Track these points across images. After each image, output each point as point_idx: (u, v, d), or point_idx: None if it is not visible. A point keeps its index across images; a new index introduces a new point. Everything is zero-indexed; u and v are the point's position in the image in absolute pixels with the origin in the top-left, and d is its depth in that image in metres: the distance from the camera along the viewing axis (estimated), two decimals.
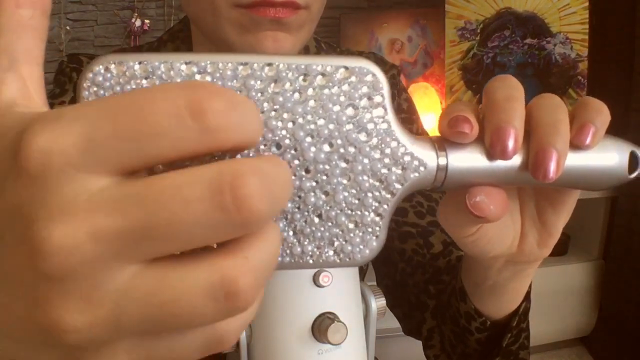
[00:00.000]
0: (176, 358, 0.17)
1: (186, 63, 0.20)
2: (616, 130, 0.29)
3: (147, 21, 1.58)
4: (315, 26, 0.46)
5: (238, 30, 0.42)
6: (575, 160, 0.27)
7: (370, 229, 0.23)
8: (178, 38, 0.56)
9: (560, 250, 1.62)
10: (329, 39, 0.72)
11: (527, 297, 0.43)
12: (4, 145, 0.16)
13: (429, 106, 1.58)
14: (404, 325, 0.62)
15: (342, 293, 0.36)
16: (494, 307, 0.43)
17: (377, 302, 0.39)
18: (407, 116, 0.63)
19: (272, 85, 0.21)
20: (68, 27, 1.54)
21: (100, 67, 0.19)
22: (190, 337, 0.17)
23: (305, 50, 0.59)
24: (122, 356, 0.17)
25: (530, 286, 0.42)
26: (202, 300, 0.15)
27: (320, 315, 0.34)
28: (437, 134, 0.27)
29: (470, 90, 1.58)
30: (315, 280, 0.35)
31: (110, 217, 0.14)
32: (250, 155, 0.21)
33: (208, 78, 0.20)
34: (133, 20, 1.56)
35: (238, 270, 0.15)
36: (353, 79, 0.22)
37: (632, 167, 0.28)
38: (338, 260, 0.23)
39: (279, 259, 0.22)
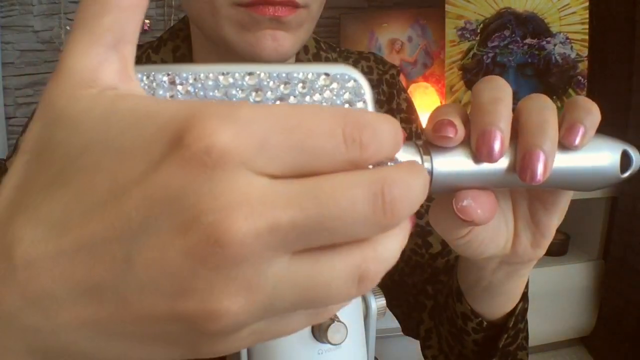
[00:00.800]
0: (285, 332, 0.19)
1: (167, 74, 0.20)
2: (616, 130, 0.28)
3: (147, 21, 1.58)
4: (314, 25, 0.46)
5: (237, 29, 0.42)
6: (565, 161, 0.26)
7: None
8: (178, 37, 0.56)
9: (560, 250, 1.62)
10: (329, 39, 0.71)
11: (524, 297, 0.43)
12: (153, 131, 0.16)
13: (429, 106, 1.58)
14: (403, 326, 0.62)
15: None
16: (489, 308, 0.43)
17: (377, 302, 0.39)
18: (406, 116, 0.63)
19: (254, 94, 0.21)
20: (68, 27, 1.54)
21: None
22: (303, 314, 0.19)
23: (305, 50, 0.59)
24: (245, 338, 0.18)
25: (527, 286, 0.42)
26: (344, 283, 0.17)
27: None
28: None
29: (470, 90, 1.58)
30: None
31: (288, 210, 0.16)
32: None
33: (190, 89, 0.20)
34: None
35: (370, 259, 0.18)
36: (334, 85, 0.22)
37: (624, 166, 0.27)
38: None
39: None
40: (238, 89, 0.21)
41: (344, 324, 0.33)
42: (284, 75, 0.21)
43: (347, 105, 0.22)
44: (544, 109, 0.27)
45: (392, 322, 0.61)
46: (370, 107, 0.22)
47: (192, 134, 0.15)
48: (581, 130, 0.26)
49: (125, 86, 0.18)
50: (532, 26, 1.53)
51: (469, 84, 1.58)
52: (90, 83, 0.17)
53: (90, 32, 0.18)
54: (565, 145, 0.26)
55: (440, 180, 0.25)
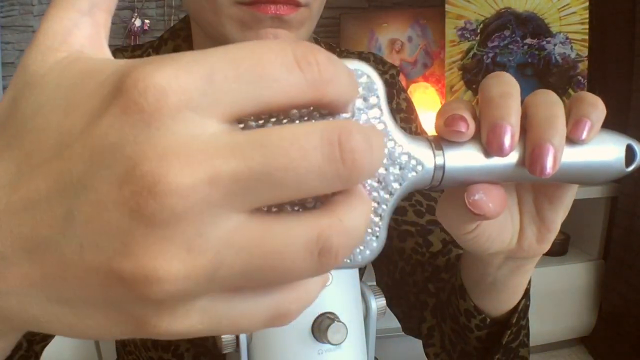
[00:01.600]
0: (240, 326, 0.17)
1: None
2: (616, 129, 0.29)
3: (147, 21, 1.58)
4: (315, 24, 0.46)
5: (239, 27, 0.42)
6: (572, 155, 0.27)
7: (370, 230, 0.23)
8: (179, 37, 0.56)
9: (560, 250, 1.62)
10: (329, 39, 0.72)
11: (527, 294, 0.43)
12: (95, 85, 0.15)
13: (429, 106, 1.58)
14: (404, 325, 0.62)
15: (342, 293, 0.36)
16: (493, 304, 0.43)
17: (377, 302, 0.39)
18: (406, 116, 0.63)
19: None
20: None
21: None
22: (260, 306, 0.17)
23: None
24: (195, 317, 0.17)
25: (529, 283, 0.42)
26: (302, 253, 0.16)
27: (320, 315, 0.34)
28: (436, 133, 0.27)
29: (470, 90, 1.58)
30: None
31: (231, 160, 0.14)
32: None
33: None
34: (133, 20, 1.56)
35: (333, 229, 0.16)
36: None
37: (629, 160, 0.28)
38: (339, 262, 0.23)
39: None
40: None
41: (344, 324, 0.33)
42: None
43: (361, 100, 0.22)
44: (552, 104, 0.27)
45: (392, 322, 0.61)
46: (383, 102, 0.22)
47: (129, 79, 0.14)
48: (588, 125, 0.27)
49: (95, 51, 0.18)
50: (532, 26, 1.53)
51: (469, 84, 1.58)
52: (60, 46, 0.17)
53: None
54: (572, 139, 0.27)
55: (451, 175, 0.25)
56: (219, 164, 0.14)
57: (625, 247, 1.50)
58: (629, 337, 1.48)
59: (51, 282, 0.16)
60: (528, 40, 1.53)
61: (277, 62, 0.15)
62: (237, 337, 0.36)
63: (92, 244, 0.15)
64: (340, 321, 0.33)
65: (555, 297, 1.56)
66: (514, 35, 1.53)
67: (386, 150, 0.23)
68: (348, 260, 0.23)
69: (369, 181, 0.23)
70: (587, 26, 1.49)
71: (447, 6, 1.57)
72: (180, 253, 0.15)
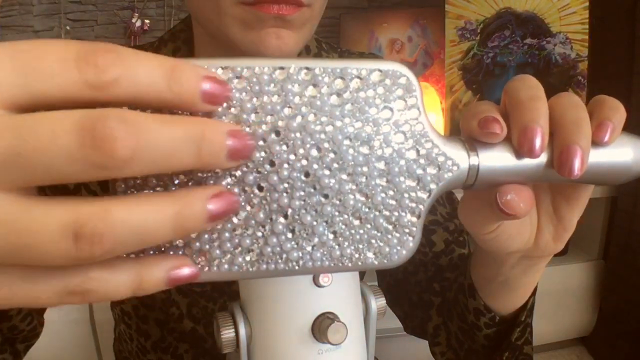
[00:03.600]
0: (37, 299, 0.18)
1: (222, 68, 0.20)
2: None
3: (147, 21, 1.57)
4: (317, 24, 0.46)
5: (241, 27, 0.42)
6: (595, 156, 0.28)
7: (407, 230, 0.23)
8: (179, 38, 0.56)
9: (561, 250, 1.62)
10: (329, 39, 0.71)
11: (534, 291, 0.44)
12: None
13: (429, 106, 1.58)
14: (406, 324, 0.62)
15: (342, 293, 0.36)
16: (504, 303, 0.44)
17: (377, 302, 0.39)
18: None
19: (310, 88, 0.21)
20: (68, 27, 1.54)
21: None
22: (49, 280, 0.18)
23: (307, 50, 0.59)
24: None
25: (537, 282, 0.43)
26: (56, 236, 0.16)
27: (320, 315, 0.34)
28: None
29: (470, 90, 1.58)
30: (315, 280, 0.35)
31: None
32: (262, 154, 0.21)
33: (244, 83, 0.20)
34: (133, 20, 1.56)
35: (93, 217, 0.16)
36: (387, 81, 0.22)
37: None
38: (376, 262, 0.23)
39: (318, 263, 0.23)
40: (294, 83, 0.21)
41: (344, 324, 0.33)
42: (338, 70, 0.21)
43: (400, 101, 0.22)
44: (577, 107, 0.28)
45: (392, 322, 0.61)
46: (421, 102, 0.23)
47: None
48: (610, 127, 0.27)
49: None
50: (532, 26, 1.53)
51: (469, 84, 1.58)
52: None
53: None
54: (595, 141, 0.28)
55: (484, 175, 0.26)
56: None
57: (625, 247, 1.50)
58: (629, 337, 1.48)
59: None
60: (528, 40, 1.53)
61: (55, 59, 0.16)
62: (237, 337, 0.36)
63: None
64: (340, 321, 0.33)
65: (555, 297, 1.56)
66: (514, 35, 1.53)
67: (424, 151, 0.23)
68: (385, 261, 0.23)
69: (407, 181, 0.23)
70: (587, 26, 1.49)
71: (447, 6, 1.57)
72: None
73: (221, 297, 0.56)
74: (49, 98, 0.16)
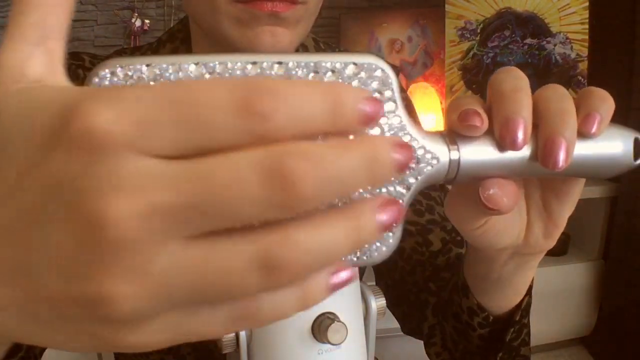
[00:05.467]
0: (203, 333, 0.18)
1: (195, 64, 0.20)
2: None
3: (147, 21, 1.58)
4: (312, 22, 0.47)
5: (236, 25, 0.42)
6: (582, 149, 0.27)
7: None
8: (177, 38, 0.56)
9: (560, 250, 1.62)
10: (328, 39, 0.72)
11: (529, 292, 0.43)
12: (46, 118, 0.16)
13: (429, 106, 1.58)
14: (404, 325, 0.62)
15: (342, 293, 0.36)
16: (497, 302, 0.43)
17: (377, 302, 0.39)
18: None
19: None
20: None
21: (107, 71, 0.19)
22: (219, 312, 0.18)
23: (304, 50, 0.59)
24: (153, 331, 0.17)
25: (532, 281, 0.42)
26: (246, 271, 0.16)
27: (320, 315, 0.34)
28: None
29: (470, 90, 1.58)
30: None
31: (167, 192, 0.15)
32: None
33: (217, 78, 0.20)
34: (133, 20, 1.56)
35: (281, 245, 0.16)
36: (362, 74, 0.21)
37: (637, 153, 0.28)
38: (356, 259, 0.23)
39: None
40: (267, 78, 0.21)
41: (344, 324, 0.33)
42: (312, 64, 0.21)
43: (376, 94, 0.22)
44: (562, 98, 0.27)
45: (392, 322, 0.61)
46: (398, 95, 0.22)
47: (73, 118, 0.15)
48: (598, 119, 0.27)
49: (51, 79, 0.19)
50: (532, 26, 1.53)
51: (469, 84, 1.58)
52: (19, 78, 0.18)
53: (17, 30, 0.19)
54: (582, 133, 0.27)
55: (466, 169, 0.25)
56: (156, 197, 0.15)
57: (625, 247, 1.50)
58: (629, 337, 1.48)
59: (19, 304, 0.17)
60: (528, 40, 1.53)
61: (215, 108, 0.15)
62: (237, 337, 0.36)
63: (49, 270, 0.16)
64: (340, 321, 0.33)
65: (555, 297, 1.56)
66: (514, 35, 1.53)
67: None
68: (365, 257, 0.23)
69: None
70: (587, 26, 1.49)
71: (447, 6, 1.57)
72: (128, 277, 0.16)
73: None
74: (213, 147, 0.16)
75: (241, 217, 0.16)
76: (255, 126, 0.15)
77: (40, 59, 0.19)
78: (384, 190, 0.23)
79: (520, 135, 0.26)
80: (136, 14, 1.57)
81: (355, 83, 0.21)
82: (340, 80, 0.21)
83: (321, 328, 0.34)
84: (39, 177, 0.16)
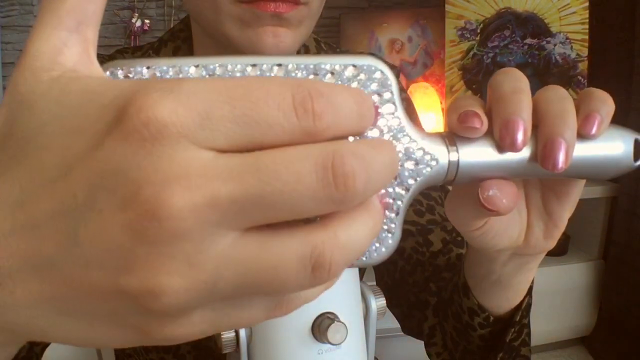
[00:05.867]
0: (239, 322, 0.18)
1: (195, 66, 0.20)
2: None
3: (147, 21, 1.58)
4: (315, 23, 0.47)
5: (239, 25, 0.42)
6: (582, 150, 0.27)
7: (385, 227, 0.23)
8: (179, 38, 0.56)
9: (560, 250, 1.62)
10: (329, 39, 0.72)
11: (530, 292, 0.43)
12: (98, 108, 0.16)
13: (429, 106, 1.58)
14: (404, 325, 0.62)
15: (342, 293, 0.36)
16: (497, 302, 0.43)
17: (377, 302, 0.39)
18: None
19: None
20: None
21: (107, 73, 0.19)
22: (257, 303, 0.18)
23: (306, 50, 0.59)
24: (197, 322, 0.18)
25: (532, 281, 0.42)
26: (295, 268, 0.16)
27: (320, 315, 0.34)
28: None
29: (470, 90, 1.58)
30: None
31: (228, 184, 0.15)
32: None
33: None
34: (133, 20, 1.56)
35: (327, 244, 0.17)
36: (361, 76, 0.22)
37: (637, 154, 0.28)
38: (355, 260, 0.23)
39: None
40: None
41: (344, 324, 0.33)
42: (311, 66, 0.21)
43: (376, 96, 0.22)
44: (562, 99, 0.27)
45: (392, 322, 0.61)
46: (397, 97, 0.22)
47: (132, 108, 0.15)
48: (598, 120, 0.27)
49: (85, 68, 0.19)
50: (532, 26, 1.53)
51: (469, 84, 1.58)
52: (52, 66, 0.18)
53: (52, 16, 0.18)
54: (582, 134, 0.27)
55: (465, 170, 0.25)
56: (216, 188, 0.15)
57: (625, 247, 1.50)
58: (629, 337, 1.48)
59: (59, 297, 0.17)
60: (528, 40, 1.53)
61: (273, 105, 0.16)
62: (237, 337, 0.36)
63: (97, 263, 0.16)
64: (340, 321, 0.33)
65: (555, 297, 1.56)
66: (514, 35, 1.53)
67: (401, 146, 0.23)
68: (364, 258, 0.23)
69: None
70: (587, 26, 1.49)
71: (447, 6, 1.57)
72: (181, 269, 0.16)
73: None
74: (264, 143, 0.16)
75: (298, 210, 0.16)
76: (308, 124, 0.16)
77: (76, 47, 0.18)
78: (382, 192, 0.23)
79: (519, 136, 0.26)
80: (136, 14, 1.57)
81: (354, 85, 0.21)
82: (339, 82, 0.21)
83: (321, 328, 0.34)
84: (88, 167, 0.16)
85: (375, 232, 0.18)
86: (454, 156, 0.25)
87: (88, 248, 0.16)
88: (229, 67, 0.20)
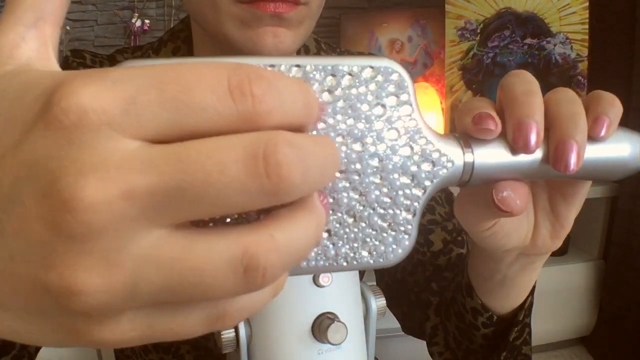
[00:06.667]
0: (177, 332, 0.17)
1: None
2: None
3: (147, 21, 1.57)
4: (314, 23, 0.47)
5: (238, 25, 0.42)
6: (592, 152, 0.27)
7: (402, 228, 0.23)
8: (179, 38, 0.56)
9: (560, 250, 1.62)
10: (329, 39, 0.72)
11: (532, 291, 0.43)
12: (31, 98, 0.16)
13: (429, 106, 1.58)
14: (404, 324, 0.62)
15: (342, 293, 0.36)
16: (501, 302, 0.44)
17: (377, 302, 0.39)
18: None
19: None
20: (68, 27, 1.54)
21: None
22: (194, 311, 0.17)
23: (306, 50, 0.59)
24: (125, 327, 0.16)
25: (535, 281, 0.43)
26: (224, 271, 0.15)
27: (320, 315, 0.34)
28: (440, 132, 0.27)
29: (470, 90, 1.58)
30: (315, 280, 0.35)
31: (145, 175, 0.14)
32: None
33: None
34: (133, 20, 1.56)
35: (261, 246, 0.15)
36: (379, 78, 0.22)
37: None
38: (372, 262, 0.23)
39: (313, 262, 0.22)
40: None
41: (344, 324, 0.33)
42: (329, 67, 0.21)
43: (392, 97, 0.22)
44: (573, 102, 0.28)
45: (392, 322, 0.61)
46: (413, 99, 0.22)
47: (55, 96, 0.15)
48: (607, 122, 0.27)
49: (40, 64, 0.18)
50: (532, 26, 1.53)
51: (469, 84, 1.58)
52: (7, 60, 0.18)
53: (12, 13, 0.18)
54: (591, 136, 0.27)
55: (480, 172, 0.26)
56: (133, 179, 0.14)
57: (625, 247, 1.50)
58: (629, 337, 1.48)
59: None
60: (528, 40, 1.53)
61: (206, 89, 0.15)
62: (237, 337, 0.36)
63: (20, 255, 0.15)
64: (340, 321, 0.33)
65: (555, 297, 1.56)
66: (514, 35, 1.53)
67: (418, 147, 0.23)
68: (381, 260, 0.23)
69: (402, 178, 0.23)
70: (587, 26, 1.49)
71: (447, 6, 1.57)
72: (98, 267, 0.15)
73: None
74: (197, 131, 0.15)
75: (226, 204, 0.15)
76: (247, 107, 0.15)
77: (33, 42, 0.18)
78: (400, 192, 0.23)
79: (533, 138, 0.26)
80: (136, 14, 1.57)
81: (372, 86, 0.22)
82: (357, 84, 0.21)
83: (321, 328, 0.34)
84: (17, 159, 0.15)
85: (317, 235, 0.17)
86: (469, 158, 0.25)
87: (12, 240, 0.15)
88: None
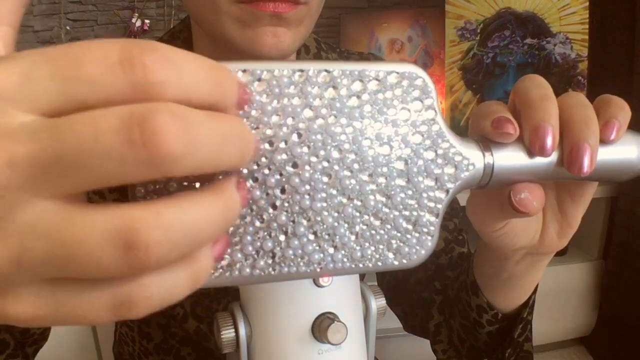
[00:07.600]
0: (83, 315, 0.17)
1: (242, 71, 0.20)
2: None
3: (147, 21, 1.57)
4: (314, 23, 0.47)
5: (238, 25, 0.42)
6: (602, 154, 0.28)
7: (426, 229, 0.24)
8: (178, 38, 0.56)
9: (560, 250, 1.62)
10: (329, 39, 0.71)
11: (535, 289, 0.44)
12: None
13: None
14: (406, 323, 0.62)
15: (342, 293, 0.36)
16: (507, 300, 0.45)
17: (377, 302, 0.39)
18: None
19: (329, 90, 0.22)
20: (68, 27, 1.54)
21: None
22: (96, 293, 0.17)
23: (306, 50, 0.59)
24: (25, 301, 0.17)
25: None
26: (101, 245, 0.15)
27: (320, 315, 0.34)
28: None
29: (470, 90, 1.58)
30: (315, 280, 0.35)
31: (27, 144, 0.15)
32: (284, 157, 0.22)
33: (264, 86, 0.21)
34: (133, 20, 1.56)
35: (144, 222, 0.15)
36: (404, 83, 0.22)
37: None
38: (396, 263, 0.24)
39: (339, 264, 0.23)
40: (313, 86, 0.21)
41: (344, 324, 0.33)
42: (356, 72, 0.22)
43: (417, 102, 0.23)
44: (585, 106, 0.29)
45: (392, 322, 0.61)
46: (436, 103, 0.23)
47: None
48: (617, 125, 0.28)
49: None
50: (532, 26, 1.52)
51: (469, 84, 1.58)
52: None
53: None
54: (602, 139, 0.28)
55: (499, 174, 0.27)
56: (15, 148, 0.15)
57: (625, 247, 1.50)
58: (629, 337, 1.48)
59: None
60: (528, 40, 1.53)
61: (96, 61, 0.15)
62: (237, 337, 0.36)
63: None
64: (340, 321, 0.33)
65: (555, 297, 1.56)
66: (514, 35, 1.53)
67: (441, 151, 0.24)
68: (405, 261, 0.24)
69: (426, 181, 0.23)
70: (587, 26, 1.48)
71: (447, 6, 1.57)
72: None
73: (224, 297, 0.56)
74: (90, 103, 0.15)
75: (101, 174, 0.15)
76: (137, 77, 0.15)
77: None
78: (424, 195, 0.23)
79: (549, 142, 0.27)
80: (136, 14, 1.57)
81: (397, 91, 0.22)
82: (383, 89, 0.22)
83: (321, 328, 0.34)
84: None
85: (225, 219, 0.17)
86: (489, 160, 0.26)
87: None
88: (276, 72, 0.21)
